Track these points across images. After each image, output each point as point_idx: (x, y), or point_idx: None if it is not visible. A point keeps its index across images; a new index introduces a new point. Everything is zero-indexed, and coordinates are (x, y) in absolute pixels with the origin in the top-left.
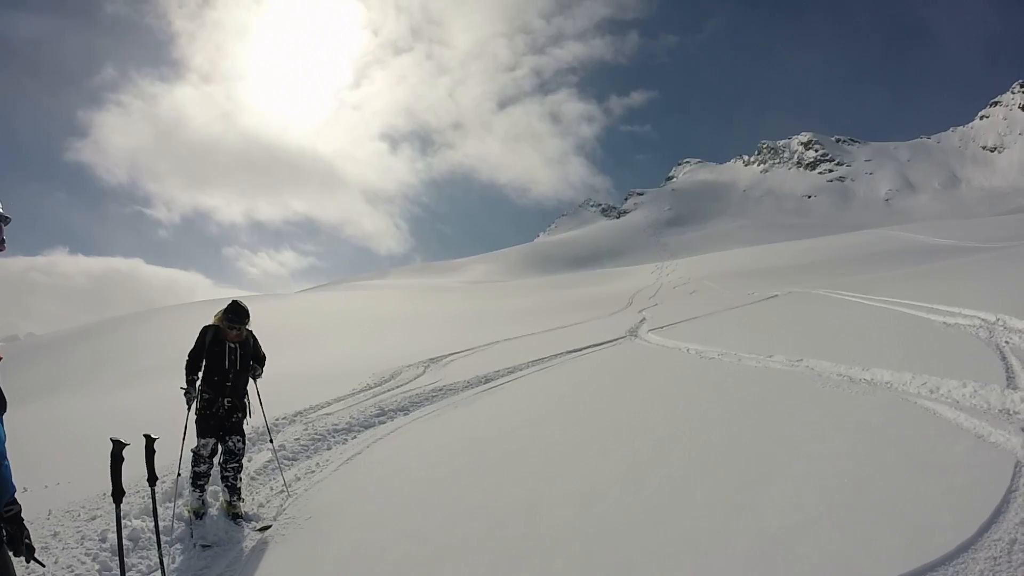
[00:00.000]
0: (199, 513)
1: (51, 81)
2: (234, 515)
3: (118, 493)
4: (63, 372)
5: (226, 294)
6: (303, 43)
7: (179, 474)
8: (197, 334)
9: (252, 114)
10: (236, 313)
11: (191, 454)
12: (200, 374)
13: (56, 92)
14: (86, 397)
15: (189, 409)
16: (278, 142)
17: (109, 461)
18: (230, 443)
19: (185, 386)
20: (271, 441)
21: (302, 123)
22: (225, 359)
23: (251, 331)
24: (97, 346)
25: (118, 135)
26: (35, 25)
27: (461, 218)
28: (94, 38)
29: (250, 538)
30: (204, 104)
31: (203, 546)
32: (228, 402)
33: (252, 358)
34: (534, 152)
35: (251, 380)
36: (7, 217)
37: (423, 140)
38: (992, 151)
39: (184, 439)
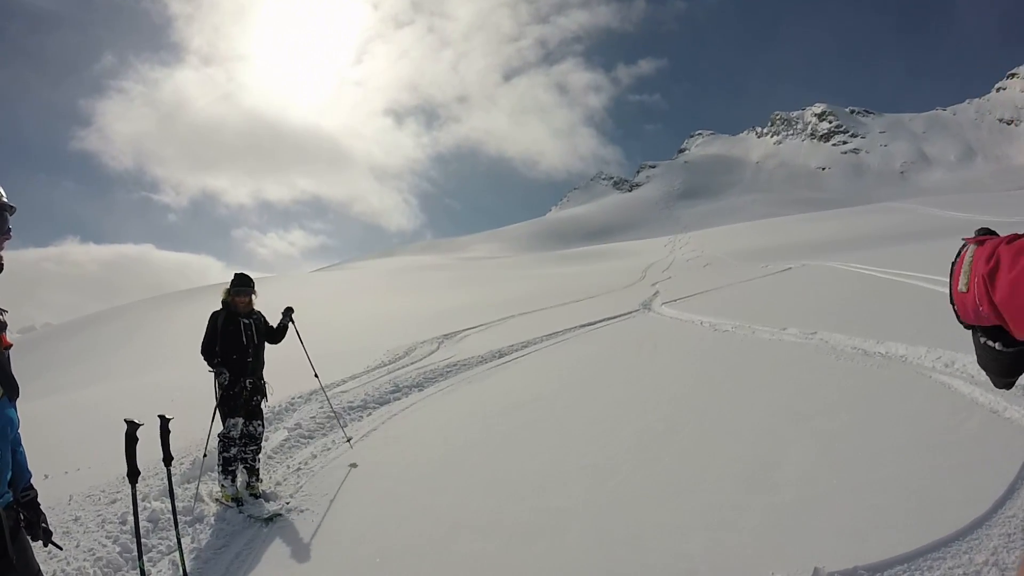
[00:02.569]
0: (239, 500)
1: (52, 71)
2: (253, 495)
3: (133, 473)
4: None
5: None
6: (302, 20)
7: (205, 455)
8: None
9: (255, 94)
10: (242, 280)
11: (219, 439)
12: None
13: (58, 82)
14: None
15: (219, 387)
16: (282, 121)
17: (124, 442)
18: (251, 428)
19: (212, 368)
20: (316, 376)
21: (306, 101)
22: (242, 335)
23: (260, 312)
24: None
25: (121, 122)
26: (33, 10)
27: (471, 193)
28: (92, 25)
29: (268, 516)
30: (205, 86)
31: (266, 519)
32: (249, 383)
33: (267, 335)
34: (542, 124)
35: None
36: (12, 206)
37: (428, 115)
38: (1009, 124)
39: (213, 420)
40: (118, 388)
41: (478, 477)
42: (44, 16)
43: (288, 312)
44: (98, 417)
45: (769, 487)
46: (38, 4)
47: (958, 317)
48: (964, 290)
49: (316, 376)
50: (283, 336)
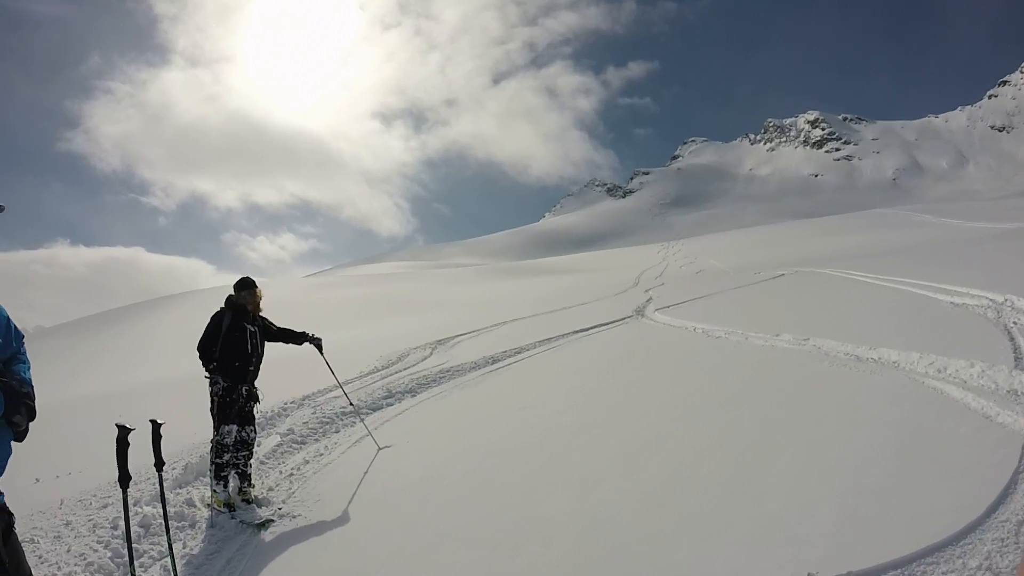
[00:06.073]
0: (231, 506)
1: (38, 72)
2: (245, 500)
3: (124, 478)
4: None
5: (230, 280)
6: (288, 21)
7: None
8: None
9: (241, 96)
10: (246, 281)
11: (211, 446)
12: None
13: (44, 83)
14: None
15: (214, 394)
16: (269, 123)
17: (115, 446)
18: (243, 433)
19: (208, 374)
20: (352, 404)
21: (292, 103)
22: (247, 343)
23: (264, 316)
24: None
25: (109, 123)
26: (18, 8)
27: (462, 198)
28: (77, 25)
29: (260, 522)
30: (192, 87)
31: (258, 525)
32: (246, 390)
33: (271, 336)
34: (531, 128)
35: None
36: (1, 206)
37: (416, 118)
38: (1001, 131)
39: (217, 428)
40: (111, 390)
41: (465, 485)
42: (29, 15)
43: (319, 345)
44: (90, 419)
45: (756, 496)
46: (23, 2)
47: None
48: None
49: (352, 404)
50: (291, 342)
